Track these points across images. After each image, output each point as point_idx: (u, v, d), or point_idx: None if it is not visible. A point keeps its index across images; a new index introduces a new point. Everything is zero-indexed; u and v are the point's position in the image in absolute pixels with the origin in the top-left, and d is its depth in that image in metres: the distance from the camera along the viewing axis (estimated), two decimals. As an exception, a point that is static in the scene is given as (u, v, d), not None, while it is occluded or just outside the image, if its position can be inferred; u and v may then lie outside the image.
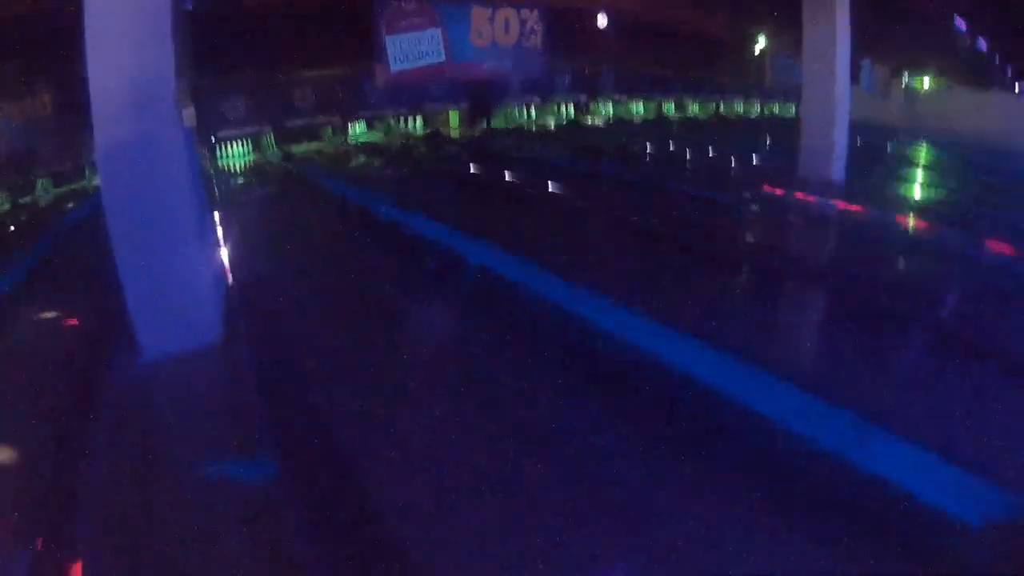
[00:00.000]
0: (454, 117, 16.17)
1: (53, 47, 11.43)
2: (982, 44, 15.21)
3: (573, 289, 5.01)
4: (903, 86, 18.07)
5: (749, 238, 7.11)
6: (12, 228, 12.12)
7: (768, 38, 19.47)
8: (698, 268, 5.96)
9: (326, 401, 3.67)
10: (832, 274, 5.75)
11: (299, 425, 3.43)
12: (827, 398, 3.37)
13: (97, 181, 14.00)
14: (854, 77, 10.87)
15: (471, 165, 11.79)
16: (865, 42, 12.43)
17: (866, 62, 18.67)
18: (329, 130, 15.50)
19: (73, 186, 14.81)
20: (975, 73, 15.60)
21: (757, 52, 19.93)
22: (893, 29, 14.91)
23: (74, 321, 5.45)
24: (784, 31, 18.00)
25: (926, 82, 17.45)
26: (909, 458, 2.93)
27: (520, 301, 5.01)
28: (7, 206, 13.84)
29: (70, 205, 13.16)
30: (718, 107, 20.31)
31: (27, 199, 14.35)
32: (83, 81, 3.98)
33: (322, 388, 3.83)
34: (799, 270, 5.85)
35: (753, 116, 20.80)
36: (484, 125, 15.83)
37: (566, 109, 17.82)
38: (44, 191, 14.86)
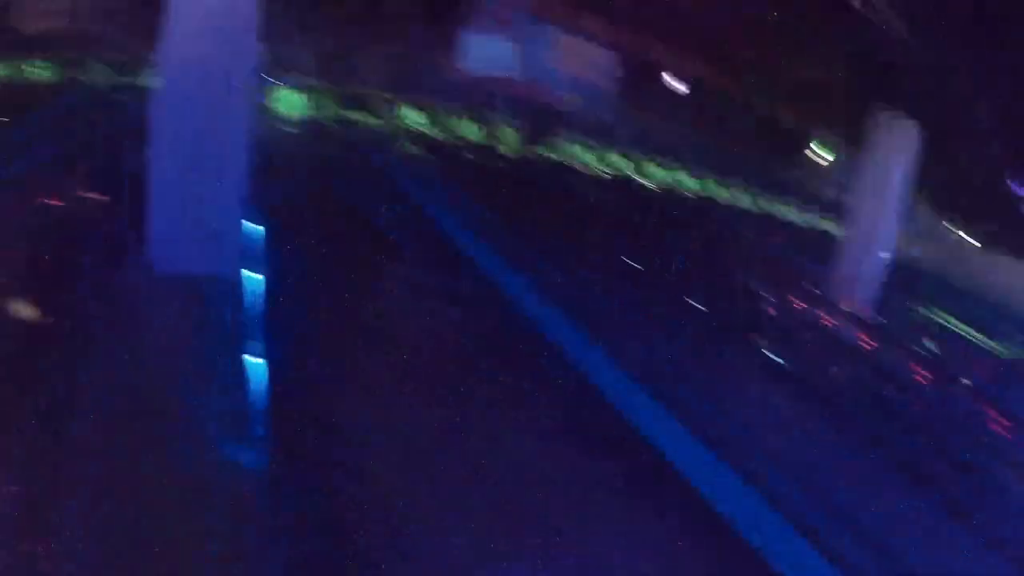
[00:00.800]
0: (510, 133, 16.03)
1: None
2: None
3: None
4: (949, 234, 17.91)
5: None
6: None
7: (836, 152, 19.36)
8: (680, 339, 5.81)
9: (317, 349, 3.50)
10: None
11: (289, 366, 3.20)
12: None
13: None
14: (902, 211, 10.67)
15: (514, 185, 11.68)
16: (923, 180, 12.29)
17: (918, 200, 18.44)
18: (386, 107, 15.39)
19: (131, 79, 14.81)
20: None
21: (824, 164, 19.78)
22: (952, 174, 14.76)
23: (98, 209, 5.37)
24: (847, 147, 17.92)
25: (971, 235, 17.30)
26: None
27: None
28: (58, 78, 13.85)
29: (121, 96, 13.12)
30: (770, 206, 20.15)
31: (79, 77, 14.36)
32: None
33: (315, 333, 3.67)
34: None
35: (798, 222, 20.64)
36: (537, 150, 15.67)
37: (621, 160, 17.64)
38: (97, 74, 14.85)
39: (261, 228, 5.05)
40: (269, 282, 4.33)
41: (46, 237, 4.60)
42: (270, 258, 4.67)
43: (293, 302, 4.24)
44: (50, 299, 3.54)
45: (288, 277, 4.55)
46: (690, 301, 7.00)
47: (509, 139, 16.04)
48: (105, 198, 5.79)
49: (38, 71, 14.57)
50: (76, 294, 3.78)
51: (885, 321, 8.81)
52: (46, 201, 5.63)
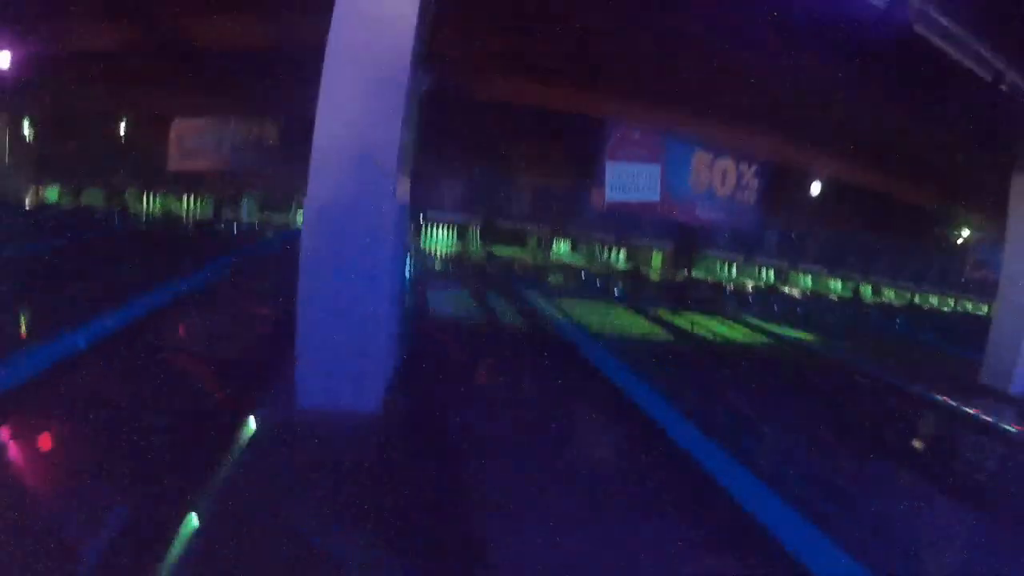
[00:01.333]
0: (657, 258, 15.82)
1: (287, 81, 12.21)
2: None
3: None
4: None
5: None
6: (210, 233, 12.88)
7: (974, 228, 18.42)
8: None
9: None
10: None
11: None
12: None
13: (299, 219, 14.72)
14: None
15: (666, 317, 11.41)
16: None
17: None
18: (534, 240, 15.57)
19: (276, 215, 15.69)
20: None
21: (961, 242, 18.82)
22: None
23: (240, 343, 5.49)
24: (989, 227, 17.01)
25: None
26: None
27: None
28: (210, 212, 14.83)
29: (268, 234, 13.86)
30: (913, 296, 19.26)
31: (229, 213, 15.36)
32: (309, 120, 3.99)
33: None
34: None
35: (946, 310, 19.58)
36: (685, 272, 15.39)
37: (766, 272, 17.12)
38: (247, 212, 15.82)
39: (409, 362, 4.95)
40: (420, 421, 4.20)
41: (190, 372, 4.71)
42: (420, 396, 4.57)
43: (443, 449, 3.97)
44: (183, 442, 3.45)
45: (440, 419, 4.35)
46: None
47: (655, 263, 15.83)
48: (253, 331, 5.99)
49: (193, 207, 15.68)
50: (212, 435, 3.63)
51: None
52: (196, 332, 5.89)
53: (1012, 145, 9.08)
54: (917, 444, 6.13)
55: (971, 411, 6.91)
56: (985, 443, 6.13)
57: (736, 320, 11.35)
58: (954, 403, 7.16)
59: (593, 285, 13.30)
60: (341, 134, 3.98)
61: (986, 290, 17.31)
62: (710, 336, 9.57)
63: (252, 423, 3.79)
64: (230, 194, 16.47)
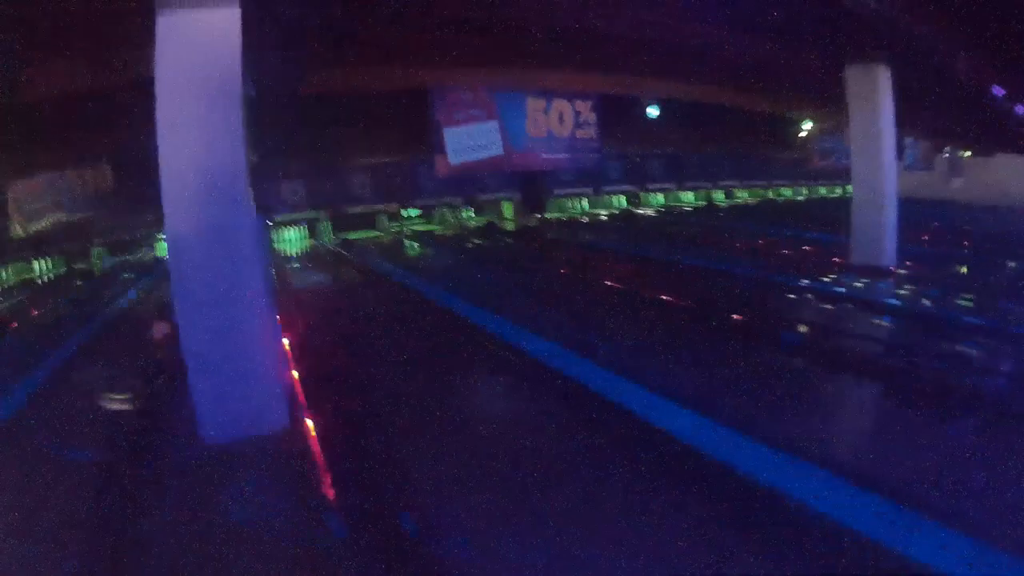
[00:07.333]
0: (508, 208, 16.12)
1: (120, 122, 11.58)
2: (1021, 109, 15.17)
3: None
4: (945, 159, 18.12)
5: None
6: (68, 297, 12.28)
7: (814, 121, 19.51)
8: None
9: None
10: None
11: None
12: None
13: (152, 254, 14.04)
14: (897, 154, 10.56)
15: (525, 255, 11.62)
16: (905, 118, 12.15)
17: (908, 139, 18.57)
18: (385, 218, 15.65)
19: (128, 257, 15.01)
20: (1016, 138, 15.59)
21: (803, 135, 19.94)
22: (932, 102, 14.74)
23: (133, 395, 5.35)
24: (831, 114, 17.99)
25: (967, 153, 17.68)
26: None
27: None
28: (63, 270, 14.06)
29: (125, 275, 13.29)
30: (766, 192, 20.26)
31: (82, 265, 14.58)
32: (147, 158, 3.96)
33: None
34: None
35: (800, 199, 20.66)
36: (538, 216, 15.78)
37: (617, 199, 17.72)
38: (98, 259, 15.09)
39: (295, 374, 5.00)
40: (325, 429, 4.13)
41: (84, 425, 4.57)
42: (319, 405, 4.48)
43: (351, 448, 4.09)
44: (94, 485, 3.53)
45: (343, 421, 4.31)
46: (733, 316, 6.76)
47: (507, 213, 16.14)
48: (143, 372, 5.74)
49: (47, 267, 14.81)
50: (120, 478, 3.65)
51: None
52: (80, 390, 5.56)
53: (842, 43, 9.51)
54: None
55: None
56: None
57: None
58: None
59: (444, 245, 13.29)
60: (186, 162, 3.90)
61: (836, 175, 18.40)
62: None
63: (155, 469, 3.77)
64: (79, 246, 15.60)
